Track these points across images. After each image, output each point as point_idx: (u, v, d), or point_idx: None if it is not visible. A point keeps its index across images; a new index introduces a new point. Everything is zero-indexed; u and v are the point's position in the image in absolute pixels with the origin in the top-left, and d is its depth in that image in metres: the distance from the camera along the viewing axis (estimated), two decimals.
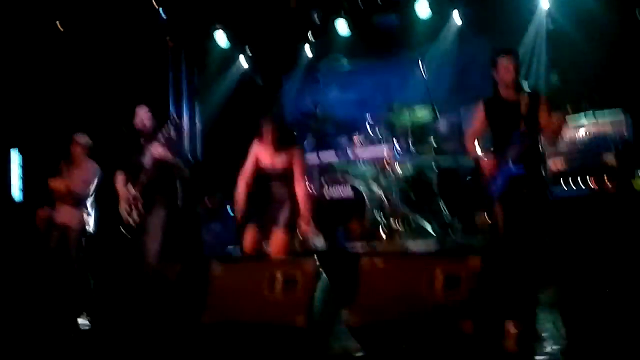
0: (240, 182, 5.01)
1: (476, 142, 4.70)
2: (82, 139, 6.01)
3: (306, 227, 4.81)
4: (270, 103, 8.38)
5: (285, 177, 4.91)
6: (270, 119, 5.02)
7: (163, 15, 8.00)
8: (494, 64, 4.51)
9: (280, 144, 4.93)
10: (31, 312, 5.37)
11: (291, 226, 4.83)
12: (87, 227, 5.84)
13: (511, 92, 4.49)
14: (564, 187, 5.49)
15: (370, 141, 6.63)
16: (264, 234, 4.93)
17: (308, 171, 6.76)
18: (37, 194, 6.37)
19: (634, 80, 6.16)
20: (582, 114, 5.67)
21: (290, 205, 4.86)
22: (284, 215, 4.81)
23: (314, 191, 6.51)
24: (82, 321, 5.08)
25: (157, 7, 7.97)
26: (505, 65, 4.47)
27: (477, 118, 4.71)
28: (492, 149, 4.58)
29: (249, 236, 4.88)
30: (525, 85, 4.62)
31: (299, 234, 5.00)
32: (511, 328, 3.62)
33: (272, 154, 4.95)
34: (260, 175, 5.01)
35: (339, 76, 8.12)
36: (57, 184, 5.84)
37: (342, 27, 7.81)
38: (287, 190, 4.90)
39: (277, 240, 4.81)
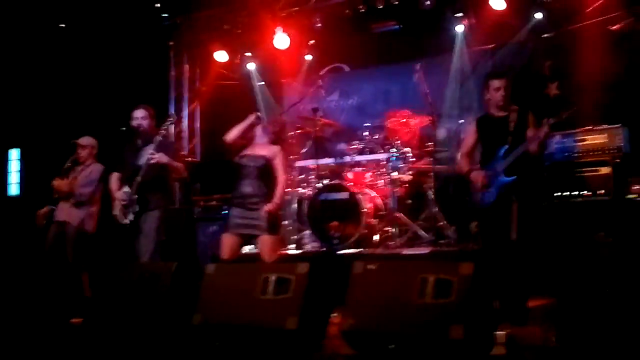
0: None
1: (467, 159, 4.96)
2: (88, 141, 6.06)
3: (272, 205, 4.80)
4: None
5: (262, 170, 4.90)
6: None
7: (165, 16, 8.05)
8: (486, 85, 4.76)
9: (269, 139, 5.02)
10: (25, 308, 5.38)
11: (272, 227, 4.86)
12: (85, 227, 5.87)
13: (501, 111, 4.78)
14: (560, 195, 5.51)
15: (368, 147, 6.65)
16: (243, 241, 5.05)
17: (306, 175, 6.82)
18: (37, 193, 6.39)
19: (632, 92, 6.18)
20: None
21: (264, 205, 4.86)
22: (262, 220, 4.80)
23: (310, 195, 6.54)
24: (75, 320, 5.09)
25: (159, 9, 8.05)
26: (496, 87, 4.77)
27: (469, 137, 5.02)
28: (480, 164, 4.83)
29: (227, 246, 4.92)
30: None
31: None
32: (501, 335, 3.63)
33: (260, 144, 5.01)
34: (235, 169, 5.01)
35: (340, 82, 8.17)
36: (60, 184, 5.87)
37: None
38: (258, 189, 4.89)
39: (266, 246, 4.83)
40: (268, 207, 4.80)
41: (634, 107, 6.14)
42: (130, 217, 5.13)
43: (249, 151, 4.99)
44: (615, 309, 4.15)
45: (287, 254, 5.90)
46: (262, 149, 5.00)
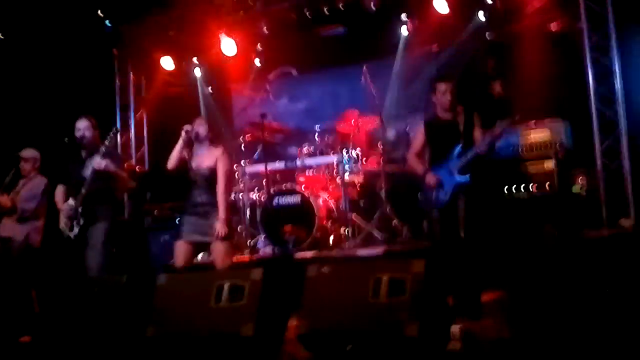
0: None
1: (418, 159, 5.05)
2: (31, 153, 5.89)
3: (223, 228, 4.73)
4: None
5: (210, 180, 4.84)
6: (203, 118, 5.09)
7: (108, 24, 7.90)
8: (432, 89, 4.86)
9: (210, 143, 4.91)
10: None
11: (227, 235, 4.77)
12: (31, 242, 5.70)
13: (448, 113, 4.89)
14: (509, 191, 5.63)
15: (319, 150, 6.67)
16: (196, 249, 4.95)
17: (257, 180, 6.79)
18: None
19: (573, 91, 6.38)
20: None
21: (217, 213, 4.79)
22: (214, 227, 4.74)
23: (262, 199, 6.51)
24: (24, 339, 4.93)
25: (102, 17, 7.89)
26: (442, 90, 4.88)
27: (418, 138, 5.11)
28: (430, 165, 4.92)
29: (180, 253, 4.83)
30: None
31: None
32: (456, 330, 3.68)
33: (201, 154, 4.91)
34: (185, 178, 4.94)
35: (289, 86, 8.17)
36: (2, 199, 5.69)
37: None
38: (210, 197, 4.83)
39: (219, 253, 4.78)
40: (219, 230, 4.71)
41: (574, 103, 6.35)
42: (76, 230, 5.00)
43: (193, 163, 4.91)
44: (563, 298, 4.26)
45: (240, 260, 5.85)
46: (204, 158, 4.89)
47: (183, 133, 4.86)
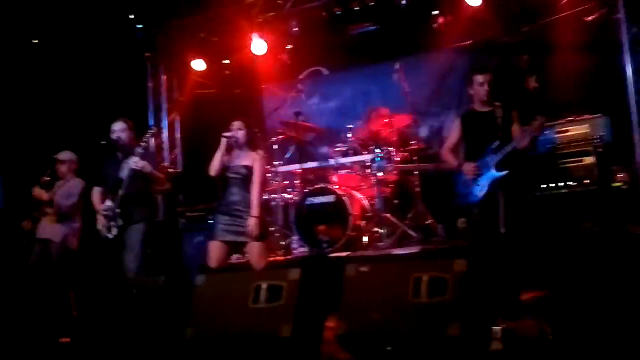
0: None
1: (452, 154, 4.99)
2: (67, 156, 5.97)
3: (255, 228, 4.72)
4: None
5: (246, 180, 4.84)
6: (243, 119, 5.03)
7: (140, 27, 7.98)
8: (469, 81, 4.76)
9: (248, 145, 4.92)
10: (13, 329, 5.26)
11: (262, 235, 4.78)
12: (69, 243, 5.78)
13: (485, 106, 4.82)
14: (547, 186, 5.52)
15: (352, 149, 6.63)
16: (232, 249, 4.94)
17: (291, 180, 6.78)
18: (18, 208, 6.28)
19: (611, 84, 6.22)
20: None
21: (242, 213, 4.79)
22: (249, 227, 4.73)
23: (295, 199, 6.49)
24: (64, 339, 4.99)
25: (134, 21, 7.97)
26: (479, 82, 4.84)
27: (453, 133, 5.05)
28: (465, 159, 4.86)
29: (214, 254, 4.82)
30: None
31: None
32: (497, 330, 3.62)
33: (238, 155, 4.92)
34: (222, 179, 4.95)
35: (320, 85, 8.15)
36: (40, 192, 5.78)
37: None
38: (245, 197, 4.82)
39: (254, 253, 4.77)
40: (252, 230, 4.71)
41: (612, 96, 6.20)
42: (114, 231, 5.05)
43: (231, 162, 4.93)
44: (605, 297, 4.16)
45: (276, 260, 5.83)
46: (243, 158, 4.92)
47: (223, 140, 4.88)
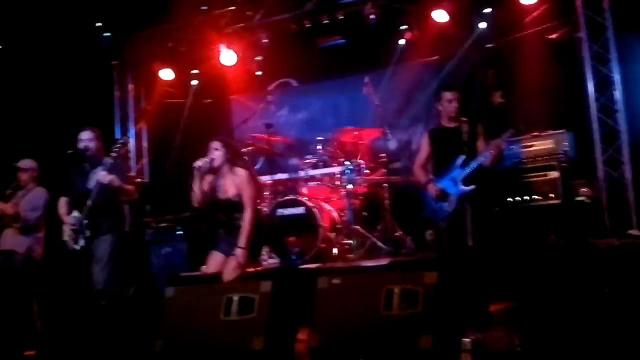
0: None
1: (423, 170, 5.11)
2: (29, 164, 5.85)
3: (242, 258, 4.71)
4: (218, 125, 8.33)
5: (238, 207, 4.79)
6: (219, 138, 4.93)
7: (107, 36, 7.90)
8: (438, 98, 4.87)
9: (230, 167, 4.82)
10: None
11: (251, 252, 4.79)
12: (33, 254, 5.66)
13: (453, 122, 4.97)
14: (512, 200, 5.64)
15: (321, 161, 6.66)
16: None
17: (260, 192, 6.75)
18: None
19: (574, 100, 6.40)
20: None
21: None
22: (237, 258, 4.71)
23: (265, 211, 6.47)
24: (29, 353, 4.88)
25: (101, 29, 7.88)
26: (448, 98, 4.98)
27: (423, 149, 5.17)
28: (434, 174, 4.99)
29: (214, 262, 4.81)
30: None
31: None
32: (467, 342, 3.66)
33: (223, 183, 4.83)
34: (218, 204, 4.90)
35: (289, 97, 8.17)
36: (4, 207, 5.64)
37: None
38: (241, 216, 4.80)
39: (230, 268, 4.74)
40: (239, 260, 4.68)
41: (575, 113, 6.38)
42: (82, 242, 4.97)
43: (219, 194, 4.82)
44: (572, 308, 4.25)
45: (247, 272, 5.80)
46: (228, 185, 4.82)
47: (196, 169, 4.74)
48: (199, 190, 4.77)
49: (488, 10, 6.98)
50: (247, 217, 4.73)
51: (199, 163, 4.75)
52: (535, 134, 5.83)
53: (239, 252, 4.70)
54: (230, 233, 4.84)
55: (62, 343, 4.27)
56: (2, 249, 5.62)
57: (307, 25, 7.52)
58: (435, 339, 3.33)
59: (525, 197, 5.57)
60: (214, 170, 4.83)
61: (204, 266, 4.96)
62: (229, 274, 4.72)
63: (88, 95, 7.77)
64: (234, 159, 4.90)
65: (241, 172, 4.83)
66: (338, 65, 7.86)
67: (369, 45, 7.61)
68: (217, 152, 4.81)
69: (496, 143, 4.79)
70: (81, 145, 5.17)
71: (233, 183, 4.80)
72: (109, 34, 8.01)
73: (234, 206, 4.80)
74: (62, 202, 5.20)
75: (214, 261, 4.84)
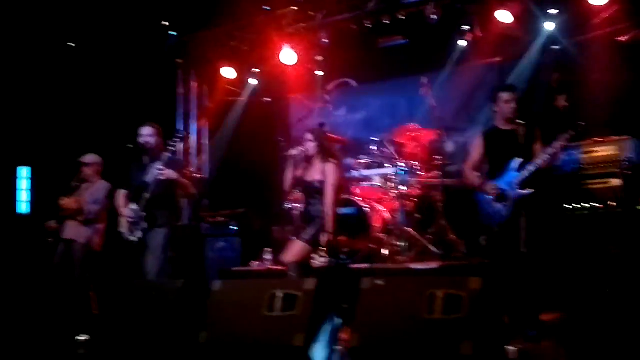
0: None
1: (474, 172, 5.00)
2: (92, 159, 6.07)
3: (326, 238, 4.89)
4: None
5: (321, 192, 5.00)
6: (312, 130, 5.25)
7: (172, 34, 8.11)
8: (494, 98, 4.77)
9: (322, 157, 5.07)
10: (33, 326, 5.36)
11: (314, 242, 4.94)
12: (92, 244, 5.87)
13: (509, 124, 4.82)
14: (571, 207, 5.44)
15: (376, 162, 6.62)
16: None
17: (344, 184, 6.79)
18: (46, 211, 6.41)
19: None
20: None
21: (322, 221, 4.95)
22: (310, 230, 4.98)
23: None
24: (82, 338, 5.07)
25: (167, 27, 8.11)
26: (505, 99, 4.83)
27: (475, 151, 5.04)
28: (487, 176, 4.86)
29: (296, 249, 5.01)
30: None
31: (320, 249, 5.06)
32: (512, 351, 3.58)
33: (312, 168, 5.09)
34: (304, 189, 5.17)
35: (348, 97, 8.17)
36: (67, 202, 5.88)
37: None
38: (322, 208, 4.99)
39: (296, 248, 4.98)
40: (324, 240, 4.91)
41: None
42: (138, 234, 5.13)
43: (307, 177, 5.13)
44: (626, 322, 4.08)
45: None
46: (315, 170, 5.10)
47: (291, 158, 5.10)
48: (291, 176, 5.12)
49: (555, 10, 6.77)
50: (327, 202, 4.96)
51: (293, 152, 5.11)
52: (597, 139, 5.61)
53: (325, 235, 4.87)
54: (305, 221, 5.09)
55: (113, 330, 4.42)
56: (64, 237, 5.86)
57: (367, 25, 7.49)
58: (477, 346, 3.26)
59: (585, 204, 5.36)
60: (307, 159, 5.11)
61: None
62: (294, 253, 4.96)
63: (153, 93, 8.00)
64: (325, 150, 5.13)
65: (331, 162, 5.07)
66: (397, 65, 7.80)
67: (429, 46, 7.51)
68: (310, 143, 5.09)
69: (554, 145, 4.62)
70: (141, 140, 5.33)
71: (320, 170, 5.05)
72: (174, 32, 8.23)
73: (314, 190, 5.04)
74: (120, 195, 5.38)
75: (296, 248, 5.04)
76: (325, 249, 4.88)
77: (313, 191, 5.04)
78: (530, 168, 4.64)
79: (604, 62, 6.40)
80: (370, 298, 3.74)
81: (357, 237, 6.06)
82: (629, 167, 5.39)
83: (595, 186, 5.43)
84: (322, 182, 4.99)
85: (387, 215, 6.31)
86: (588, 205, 5.35)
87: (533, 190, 4.63)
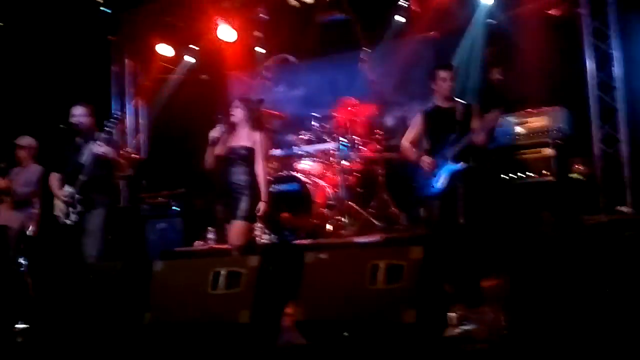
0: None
1: (412, 147, 5.04)
2: (27, 141, 5.86)
3: (264, 206, 4.80)
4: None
5: (247, 160, 4.85)
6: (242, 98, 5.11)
7: (106, 11, 7.83)
8: (432, 76, 4.81)
9: (251, 126, 4.93)
10: None
11: (251, 217, 4.82)
12: (26, 229, 5.69)
13: (447, 102, 4.89)
14: (506, 177, 5.61)
15: (317, 137, 6.62)
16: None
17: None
18: None
19: (571, 75, 6.33)
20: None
21: (250, 192, 4.81)
22: (243, 205, 4.78)
23: None
24: (20, 326, 4.92)
25: (100, 3, 7.82)
26: (442, 77, 4.88)
27: (415, 127, 5.10)
28: (428, 152, 4.90)
29: (237, 230, 4.84)
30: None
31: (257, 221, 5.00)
32: (453, 316, 3.68)
33: (238, 135, 4.93)
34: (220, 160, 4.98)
35: (287, 73, 8.11)
36: None
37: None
38: (247, 177, 4.85)
39: (238, 230, 4.80)
40: (261, 210, 4.79)
41: (573, 89, 6.31)
42: (74, 217, 4.98)
43: (231, 142, 4.94)
44: (562, 286, 4.24)
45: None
46: (241, 137, 4.93)
47: (216, 133, 4.90)
48: (212, 154, 4.93)
49: None
50: (260, 171, 4.85)
51: (213, 134, 4.91)
52: (530, 110, 5.77)
53: (262, 205, 4.78)
54: (224, 190, 4.91)
55: (52, 315, 4.30)
56: None
57: (306, 1, 7.43)
58: (420, 313, 3.33)
59: (519, 174, 5.53)
60: (233, 126, 4.95)
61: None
62: (237, 236, 4.80)
63: (84, 71, 7.73)
64: (255, 119, 5.02)
65: (258, 132, 4.95)
66: (336, 41, 7.77)
67: (367, 21, 7.52)
68: (237, 110, 4.95)
69: (485, 120, 4.74)
70: (74, 120, 5.16)
71: (247, 137, 4.92)
72: (106, 8, 7.95)
73: (239, 157, 4.88)
74: (54, 177, 5.20)
75: (234, 230, 4.87)
76: (263, 220, 4.80)
77: (237, 157, 4.87)
78: (463, 142, 4.74)
79: (536, 35, 6.56)
80: (314, 272, 3.76)
81: (300, 214, 6.07)
82: (560, 136, 5.58)
83: (529, 156, 5.60)
84: (248, 149, 4.85)
85: (329, 190, 6.34)
86: (523, 175, 5.52)
87: (464, 164, 4.72)
